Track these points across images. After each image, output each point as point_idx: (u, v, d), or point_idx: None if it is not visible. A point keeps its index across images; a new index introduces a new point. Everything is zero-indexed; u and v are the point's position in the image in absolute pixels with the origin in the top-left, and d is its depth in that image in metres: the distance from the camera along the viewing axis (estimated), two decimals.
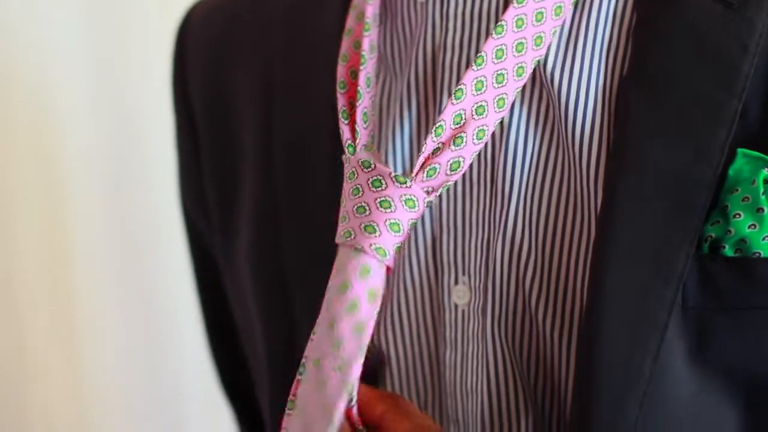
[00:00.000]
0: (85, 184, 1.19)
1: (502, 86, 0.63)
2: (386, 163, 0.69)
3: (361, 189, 0.63)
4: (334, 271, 0.63)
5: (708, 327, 0.60)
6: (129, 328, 1.23)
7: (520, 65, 0.63)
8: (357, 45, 0.68)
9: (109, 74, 1.19)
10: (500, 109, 0.63)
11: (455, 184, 0.67)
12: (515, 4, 0.63)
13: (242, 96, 0.77)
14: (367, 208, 0.62)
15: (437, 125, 0.62)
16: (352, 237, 0.62)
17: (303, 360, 0.63)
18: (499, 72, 0.63)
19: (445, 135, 0.63)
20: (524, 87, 0.65)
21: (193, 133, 0.80)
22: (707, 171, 0.60)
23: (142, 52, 1.19)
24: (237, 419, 0.89)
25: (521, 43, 0.63)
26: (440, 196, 0.66)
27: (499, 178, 0.65)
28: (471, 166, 0.66)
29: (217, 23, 0.80)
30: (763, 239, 0.60)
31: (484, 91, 0.63)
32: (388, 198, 0.62)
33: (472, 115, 0.63)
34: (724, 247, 0.60)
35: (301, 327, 0.70)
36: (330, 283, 0.63)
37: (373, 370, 0.70)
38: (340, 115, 0.66)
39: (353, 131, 0.65)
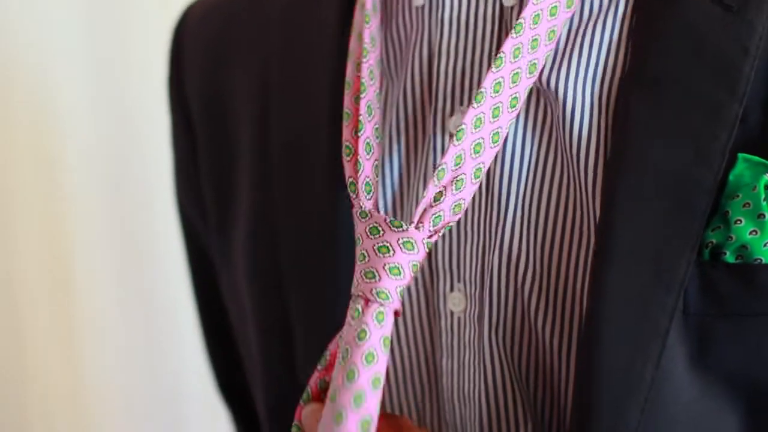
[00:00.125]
0: (85, 184, 1.19)
1: (497, 120, 0.62)
2: (383, 172, 0.68)
3: (361, 239, 0.62)
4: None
5: (709, 333, 0.60)
6: (129, 328, 1.23)
7: (514, 96, 0.63)
8: (359, 68, 0.67)
9: (109, 74, 1.18)
10: (495, 145, 0.63)
11: None
12: (513, 35, 0.62)
13: (239, 95, 0.76)
14: (366, 255, 0.62)
15: (439, 168, 0.61)
16: (356, 285, 0.62)
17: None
18: (495, 106, 0.62)
19: (446, 178, 0.62)
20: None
21: (189, 132, 0.80)
22: (707, 174, 0.60)
23: (142, 52, 1.19)
24: (233, 419, 0.89)
25: (517, 73, 0.63)
26: None
27: (495, 186, 0.65)
28: None
29: (214, 22, 0.80)
30: (765, 245, 0.59)
31: (482, 128, 0.62)
32: (386, 243, 0.61)
33: (470, 154, 0.62)
34: (725, 254, 0.60)
35: (295, 329, 0.70)
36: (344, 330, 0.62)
37: None
38: (344, 155, 0.65)
39: (355, 165, 0.65)
